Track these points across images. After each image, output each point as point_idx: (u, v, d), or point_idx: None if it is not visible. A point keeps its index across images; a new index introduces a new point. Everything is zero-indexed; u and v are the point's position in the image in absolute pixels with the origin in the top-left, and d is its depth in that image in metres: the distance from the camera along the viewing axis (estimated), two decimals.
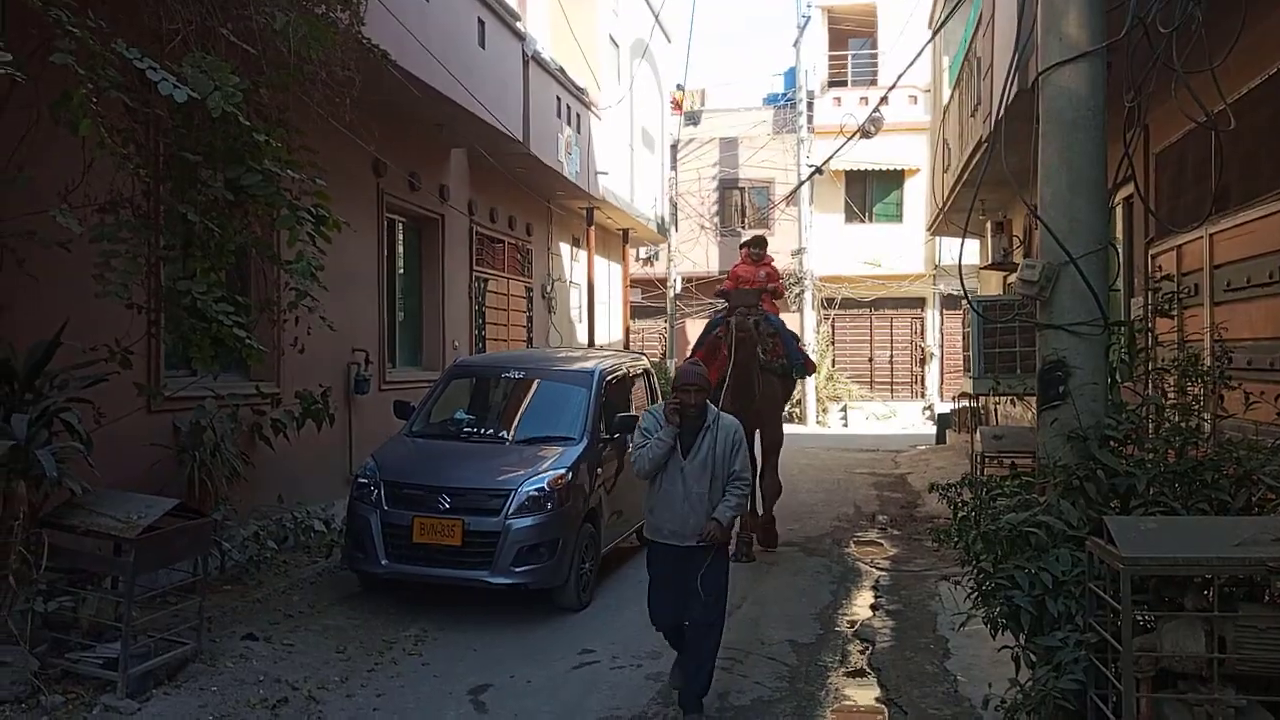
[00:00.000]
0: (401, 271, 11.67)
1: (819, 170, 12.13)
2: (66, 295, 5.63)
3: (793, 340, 9.77)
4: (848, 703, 5.70)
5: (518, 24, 12.06)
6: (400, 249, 11.62)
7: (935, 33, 12.18)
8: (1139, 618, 3.72)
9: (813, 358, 23.46)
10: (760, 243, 10.16)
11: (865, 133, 11.47)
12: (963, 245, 5.68)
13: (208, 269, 5.74)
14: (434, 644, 6.44)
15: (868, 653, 6.42)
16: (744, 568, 8.47)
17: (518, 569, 6.79)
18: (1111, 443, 4.28)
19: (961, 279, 5.39)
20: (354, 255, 9.47)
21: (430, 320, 12.02)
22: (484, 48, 10.77)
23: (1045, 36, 4.59)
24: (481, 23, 10.72)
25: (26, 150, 5.29)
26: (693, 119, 27.69)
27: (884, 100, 12.35)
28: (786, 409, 11.78)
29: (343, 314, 8.08)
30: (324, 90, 6.23)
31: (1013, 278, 6.55)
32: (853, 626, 7.04)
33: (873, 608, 7.52)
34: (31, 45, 4.55)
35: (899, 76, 9.75)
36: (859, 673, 6.10)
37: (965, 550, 4.24)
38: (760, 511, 9.46)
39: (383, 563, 6.89)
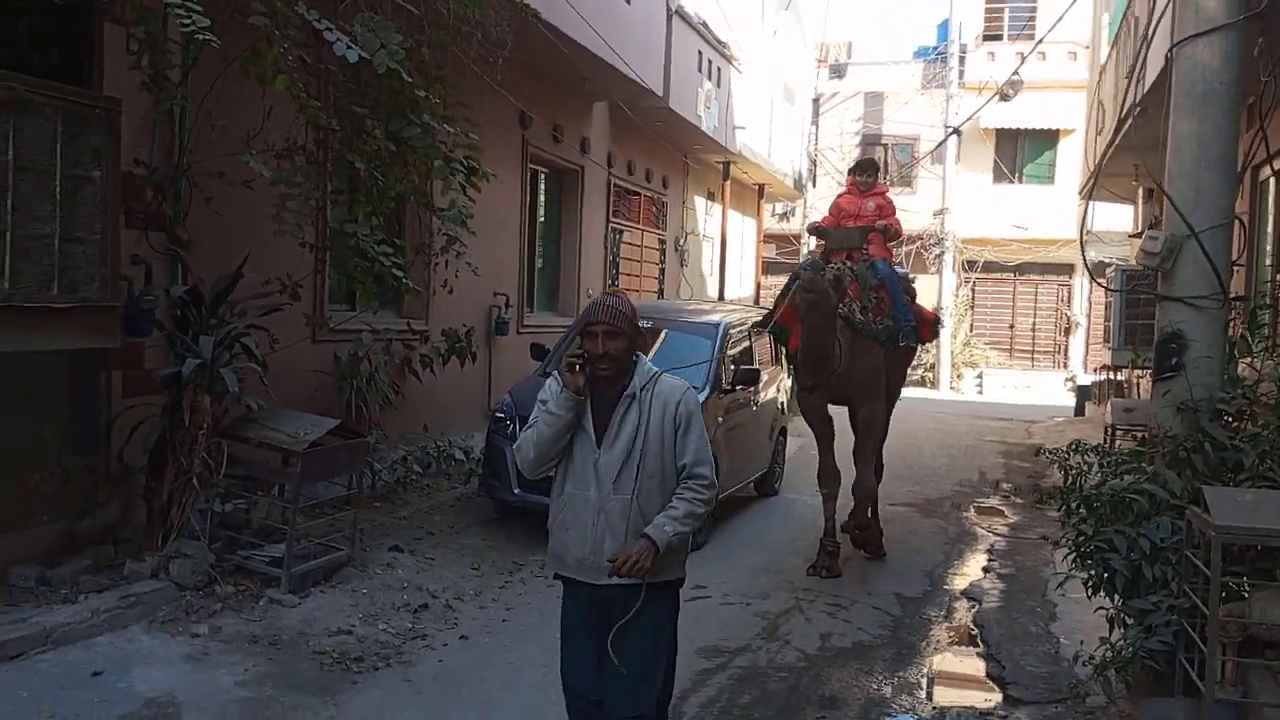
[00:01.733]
0: (542, 220, 12.16)
1: (957, 131, 11.95)
2: (247, 232, 6.24)
3: (902, 295, 7.58)
4: (947, 653, 5.90)
5: None
6: (542, 198, 12.10)
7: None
8: (1233, 586, 3.82)
9: (945, 320, 23.32)
10: (869, 167, 8.11)
11: (1003, 95, 11.12)
12: (1087, 212, 5.69)
13: (370, 213, 6.27)
14: None
15: (974, 610, 6.59)
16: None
17: None
18: (1224, 417, 4.32)
19: (1082, 248, 5.47)
20: (499, 204, 9.97)
21: (567, 268, 12.51)
22: (629, 3, 11.03)
23: (1181, 8, 4.56)
24: None
25: (211, 101, 5.89)
26: (838, 72, 27.24)
27: (1023, 60, 11.89)
28: (908, 377, 9.54)
29: (487, 259, 8.61)
30: (479, 48, 6.64)
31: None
32: (962, 586, 7.20)
33: (984, 570, 7.64)
34: (218, 8, 5.08)
35: (1043, 35, 9.49)
36: (962, 628, 6.29)
37: (1066, 513, 4.38)
38: (853, 514, 7.61)
39: (515, 491, 7.41)
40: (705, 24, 14.15)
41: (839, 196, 8.07)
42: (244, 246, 6.14)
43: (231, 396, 5.67)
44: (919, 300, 8.47)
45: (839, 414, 7.70)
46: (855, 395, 7.41)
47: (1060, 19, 8.35)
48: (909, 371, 9.15)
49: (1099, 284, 8.96)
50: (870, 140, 26.65)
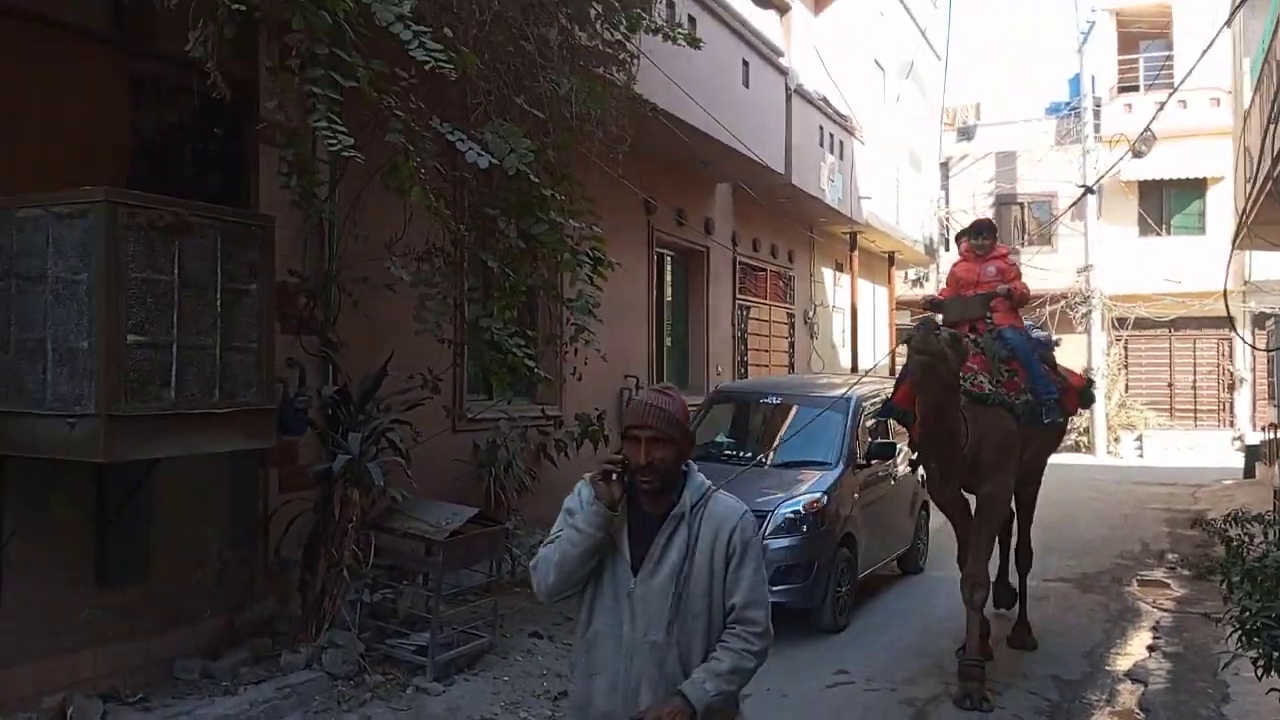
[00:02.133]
0: (669, 301, 12.35)
1: (1089, 190, 11.57)
2: (391, 332, 6.58)
3: (1039, 365, 6.70)
4: None
5: (780, 59, 12.47)
6: (669, 280, 12.31)
7: (1219, 32, 11.23)
8: None
9: (1098, 383, 22.20)
10: (984, 229, 7.19)
11: (1137, 153, 10.72)
12: (1228, 264, 5.38)
13: (504, 307, 6.52)
14: None
15: (1138, 694, 6.18)
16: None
17: (775, 587, 7.06)
18: None
19: (1226, 301, 5.15)
20: (627, 288, 10.20)
21: (696, 347, 12.62)
22: (748, 86, 11.26)
23: None
24: (745, 63, 11.22)
25: (357, 211, 6.30)
26: (966, 134, 26.91)
27: (1156, 114, 11.48)
28: (1060, 446, 8.20)
29: (616, 342, 8.79)
30: (600, 144, 6.89)
31: None
32: (1125, 666, 6.77)
33: (1149, 649, 7.17)
34: (361, 123, 5.46)
35: (1176, 86, 9.15)
36: (1126, 713, 5.90)
37: (1228, 587, 4.10)
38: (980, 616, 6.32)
39: None
40: (825, 99, 14.27)
41: (955, 265, 7.31)
42: (388, 345, 6.47)
43: (378, 489, 5.93)
44: (1065, 364, 7.77)
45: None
46: (980, 474, 6.34)
47: (1193, 69, 7.95)
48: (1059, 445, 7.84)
49: (1242, 340, 8.38)
50: (1004, 200, 26.06)
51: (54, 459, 4.50)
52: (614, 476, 2.66)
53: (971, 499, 6.65)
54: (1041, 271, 24.23)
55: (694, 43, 7.67)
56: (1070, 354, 23.95)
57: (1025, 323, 7.11)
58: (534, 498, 8.36)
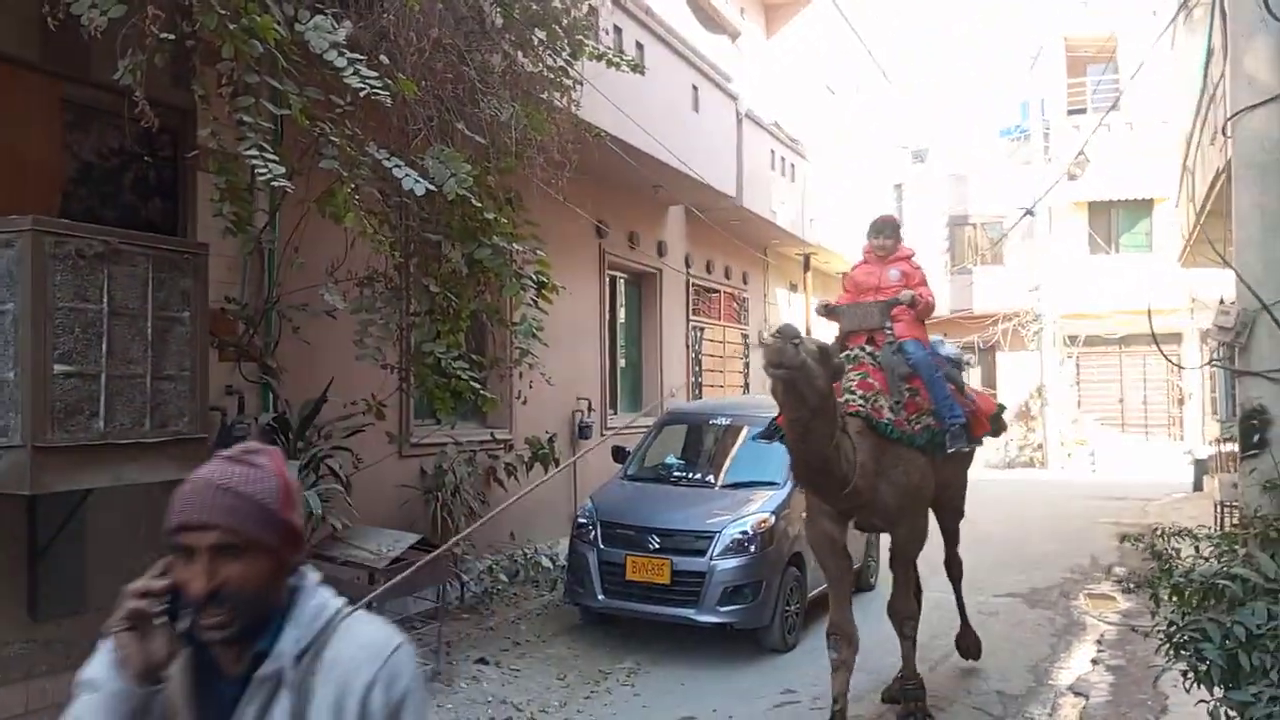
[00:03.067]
0: (623, 323, 12.40)
1: (1029, 212, 11.76)
2: (333, 357, 6.56)
3: (943, 385, 5.88)
4: None
5: (730, 84, 12.61)
6: (621, 302, 12.36)
7: (1147, 55, 11.56)
8: None
9: (1047, 397, 22.59)
10: (887, 228, 6.31)
11: (1071, 175, 10.99)
12: (1221, 281, 5.50)
13: (448, 331, 6.52)
14: (646, 677, 6.86)
15: (1080, 707, 6.26)
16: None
17: (723, 608, 7.12)
18: None
19: (1151, 324, 5.25)
20: (579, 311, 10.23)
21: (649, 368, 12.68)
22: (698, 111, 11.38)
23: (1234, 81, 4.52)
24: (695, 88, 11.35)
25: (299, 237, 6.28)
26: (919, 157, 27.33)
27: (1089, 137, 11.74)
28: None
29: (568, 365, 8.82)
30: (543, 169, 6.93)
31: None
32: (1068, 680, 6.85)
33: (1093, 662, 7.27)
34: (299, 152, 5.47)
35: (1110, 107, 9.37)
36: None
37: (1153, 600, 4.18)
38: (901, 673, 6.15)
39: (599, 598, 7.42)
40: (776, 123, 14.45)
41: (854, 268, 6.48)
42: (330, 371, 6.44)
43: (317, 518, 5.88)
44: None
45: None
46: (887, 518, 5.75)
47: (1121, 93, 8.21)
48: (967, 473, 7.06)
49: (1171, 363, 8.15)
50: (958, 221, 26.46)
51: None
52: (151, 622, 1.57)
53: (855, 537, 6.47)
54: (990, 289, 24.80)
55: (636, 69, 7.76)
56: (1023, 371, 24.50)
57: (936, 337, 6.52)
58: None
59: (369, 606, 5.85)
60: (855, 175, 18.99)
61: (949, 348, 6.68)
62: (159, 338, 4.72)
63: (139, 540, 5.58)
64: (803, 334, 4.56)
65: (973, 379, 25.08)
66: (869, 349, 5.83)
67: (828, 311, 6.27)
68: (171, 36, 4.32)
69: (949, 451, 5.89)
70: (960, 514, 7.16)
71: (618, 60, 7.59)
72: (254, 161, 4.58)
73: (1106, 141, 21.12)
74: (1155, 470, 22.03)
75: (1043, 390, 23.87)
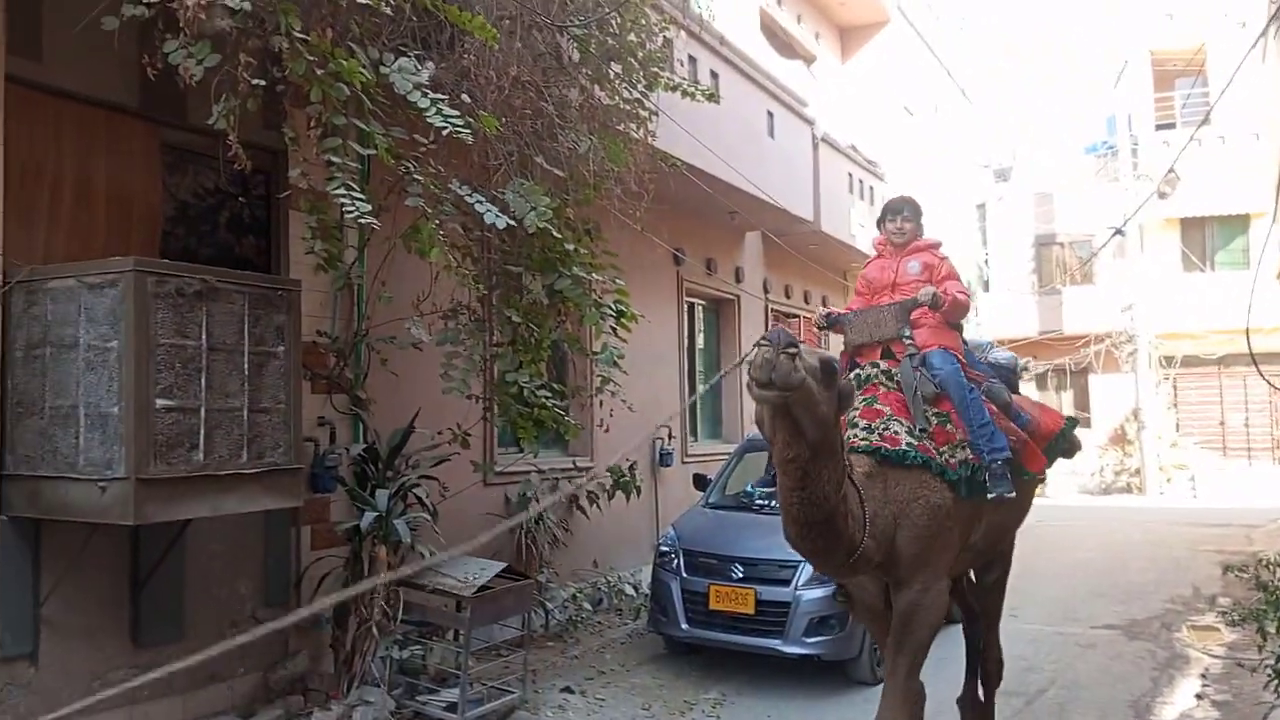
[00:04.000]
0: (701, 349, 12.39)
1: (1119, 231, 11.38)
2: (420, 388, 6.68)
3: (981, 408, 4.68)
4: None
5: (805, 109, 12.59)
6: (700, 329, 12.37)
7: (1238, 66, 11.16)
8: None
9: (1147, 424, 21.64)
10: (905, 209, 5.17)
11: (1161, 194, 10.61)
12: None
13: (530, 361, 6.60)
14: (731, 708, 6.78)
15: None
16: (1057, 648, 8.09)
17: (809, 639, 7.01)
18: None
19: (1250, 344, 5.07)
20: (658, 339, 10.26)
21: (729, 395, 12.61)
22: (773, 137, 11.38)
23: None
24: (770, 115, 11.35)
25: (386, 271, 6.45)
26: (1002, 175, 26.80)
27: (1180, 151, 11.32)
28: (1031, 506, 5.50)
29: (648, 392, 8.83)
30: (621, 199, 7.00)
31: None
32: (1172, 717, 6.57)
33: (1198, 697, 6.95)
34: (385, 190, 5.62)
35: (1202, 121, 9.03)
36: None
37: (1260, 634, 4.00)
38: None
39: (683, 627, 7.37)
40: (854, 146, 14.36)
41: (867, 264, 5.33)
42: (417, 402, 6.56)
43: (405, 546, 5.99)
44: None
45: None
46: (895, 571, 4.39)
47: (1211, 108, 7.91)
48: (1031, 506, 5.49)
49: (1272, 385, 6.91)
50: (1044, 240, 25.80)
51: (88, 522, 4.62)
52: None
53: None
54: (1080, 308, 24.05)
55: (711, 98, 7.79)
56: (1117, 395, 23.67)
57: (985, 340, 5.47)
58: (567, 551, 8.39)
59: (456, 635, 5.90)
60: (936, 196, 18.72)
61: (1000, 353, 5.54)
62: (255, 372, 4.87)
63: (235, 570, 5.78)
64: (800, 342, 3.47)
65: (1061, 403, 24.42)
66: (883, 365, 4.72)
67: (829, 322, 5.12)
68: (263, 82, 4.49)
69: (990, 498, 4.56)
70: (1005, 569, 5.60)
71: (692, 90, 7.65)
72: (342, 200, 4.72)
73: (1198, 156, 20.41)
74: (1259, 496, 21.01)
75: (1139, 413, 23.03)
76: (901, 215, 5.16)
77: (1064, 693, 7.11)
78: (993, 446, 4.58)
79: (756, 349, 3.42)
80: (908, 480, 4.34)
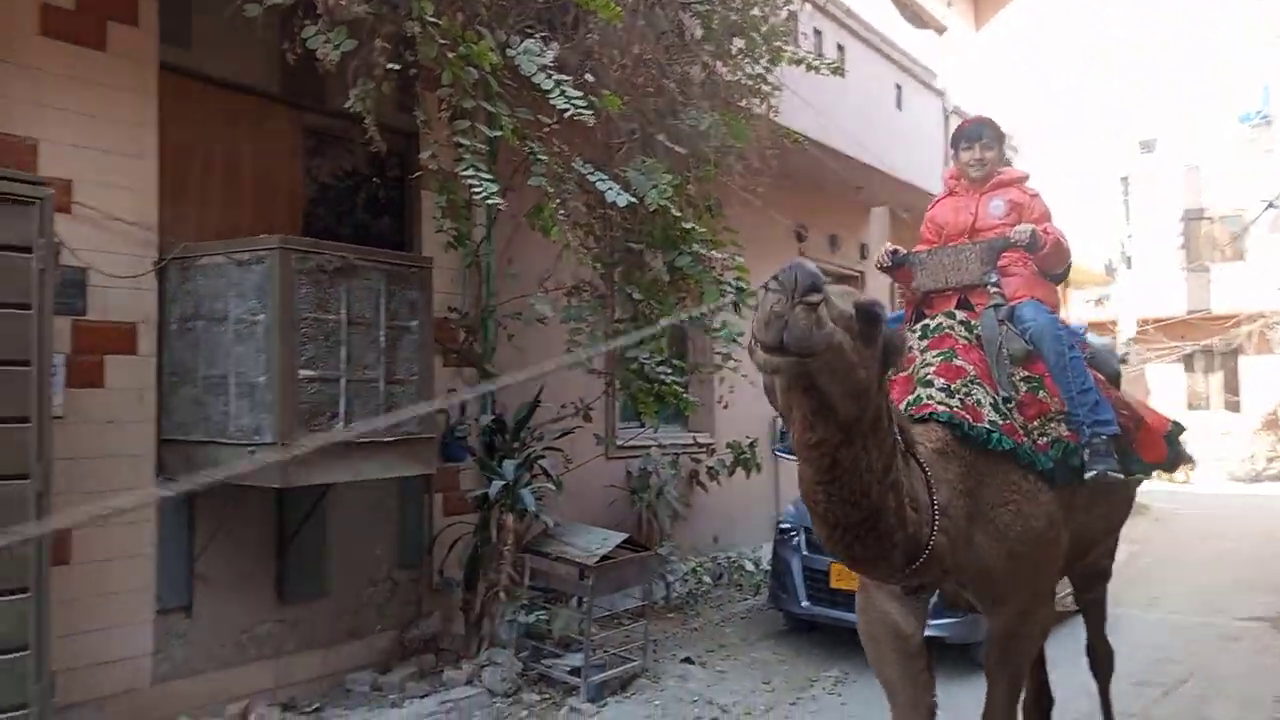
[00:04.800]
0: None
1: (1274, 205, 10.64)
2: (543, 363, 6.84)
3: (1084, 373, 3.81)
4: None
5: (935, 81, 12.25)
6: None
7: None
8: None
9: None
10: (985, 133, 4.19)
11: None
12: None
13: (650, 338, 6.70)
14: (853, 687, 6.74)
15: None
16: (1198, 639, 7.74)
17: (934, 621, 6.82)
18: None
19: None
20: None
21: None
22: (901, 109, 11.13)
23: None
24: (899, 87, 11.10)
25: (512, 249, 6.62)
26: (1147, 147, 25.45)
27: None
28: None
29: None
30: (743, 176, 6.99)
31: None
32: None
33: None
34: (510, 170, 5.78)
35: None
36: None
37: None
38: None
39: (803, 604, 7.36)
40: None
41: (934, 204, 4.43)
42: (541, 376, 6.74)
43: (531, 514, 6.18)
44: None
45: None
46: (983, 589, 3.47)
47: None
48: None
49: None
50: (1192, 215, 24.41)
51: (237, 484, 4.95)
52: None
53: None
54: (1230, 285, 22.67)
55: (836, 71, 7.68)
56: (1271, 376, 22.24)
57: (1075, 326, 4.36)
58: (687, 525, 8.48)
59: (579, 603, 6.06)
60: (1075, 169, 17.94)
61: (1096, 339, 4.63)
62: (391, 345, 5.10)
63: (372, 532, 6.08)
64: (824, 282, 2.39)
65: (1210, 386, 23.12)
66: (960, 316, 3.84)
67: (895, 263, 4.13)
68: (396, 66, 4.68)
69: (1087, 477, 3.64)
70: (1107, 571, 4.89)
71: (817, 64, 7.55)
72: (470, 180, 4.88)
73: None
74: None
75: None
76: (980, 143, 4.20)
77: (1204, 685, 6.81)
78: (1096, 418, 3.69)
79: (764, 294, 2.35)
80: (992, 470, 3.38)
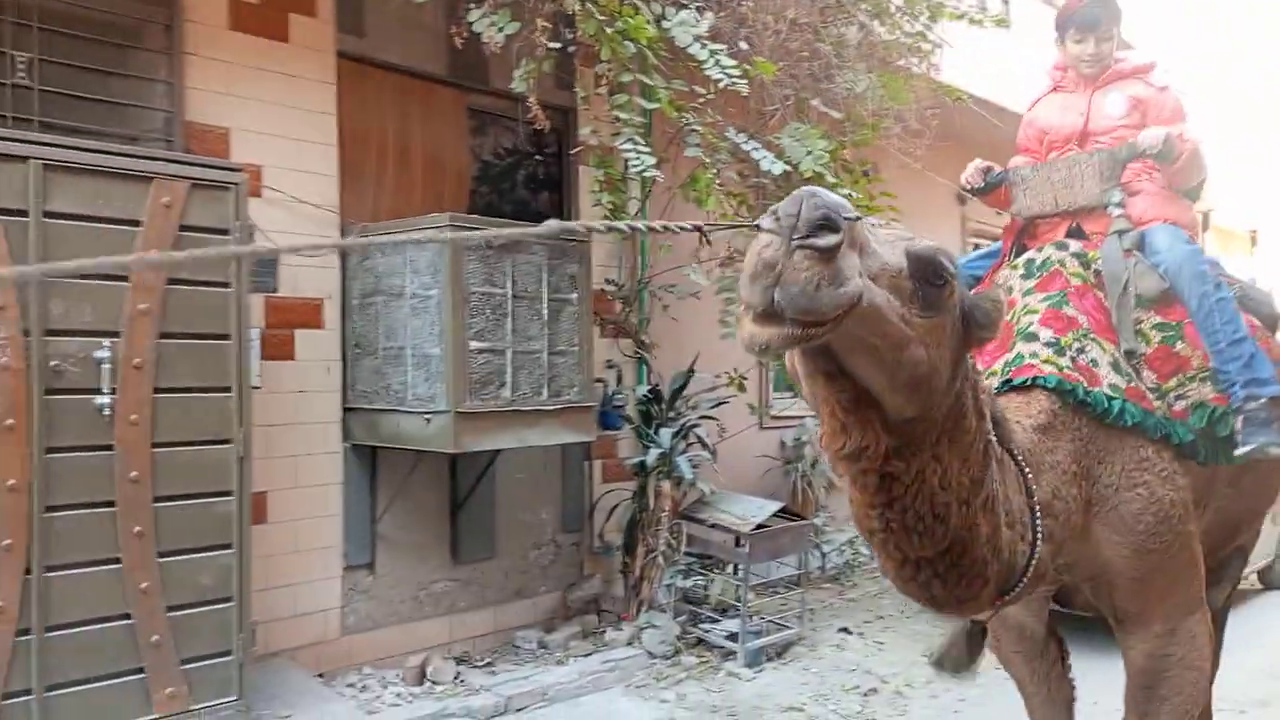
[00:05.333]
0: None
1: None
2: (698, 334, 6.92)
3: (1230, 315, 2.93)
4: None
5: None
6: None
7: None
8: None
9: None
10: (1100, 21, 3.32)
11: None
12: None
13: None
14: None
15: None
16: None
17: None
18: None
19: None
20: None
21: None
22: None
23: None
24: None
25: (667, 220, 6.69)
26: None
27: None
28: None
29: None
30: (901, 138, 6.83)
31: None
32: None
33: None
34: (665, 142, 5.84)
35: None
36: None
37: None
38: None
39: None
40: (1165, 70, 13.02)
41: (1034, 104, 3.62)
42: (696, 346, 6.82)
43: (687, 482, 6.28)
44: None
45: None
46: (1106, 596, 2.75)
47: None
48: None
49: None
50: None
51: (414, 450, 5.24)
52: None
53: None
54: None
55: (1001, 24, 7.38)
56: None
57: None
58: (842, 495, 8.41)
59: (735, 570, 6.14)
60: (1250, 126, 16.63)
61: (1242, 276, 3.62)
62: (553, 317, 5.29)
63: (537, 498, 6.33)
64: (852, 213, 1.57)
65: None
66: (1074, 247, 3.06)
67: (991, 183, 3.39)
68: (557, 45, 4.79)
69: (1240, 453, 2.83)
70: (1236, 581, 3.95)
71: (980, 19, 7.27)
72: (628, 154, 4.98)
73: None
74: None
75: None
76: (1095, 32, 3.33)
77: None
78: (1252, 376, 2.88)
79: (769, 228, 1.55)
80: (1115, 445, 2.65)
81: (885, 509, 1.96)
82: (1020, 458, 2.35)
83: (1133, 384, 2.74)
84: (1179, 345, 2.91)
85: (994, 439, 2.17)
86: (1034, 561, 2.29)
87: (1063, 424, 2.59)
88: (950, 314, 1.86)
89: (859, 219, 1.60)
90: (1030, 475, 2.36)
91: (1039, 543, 2.32)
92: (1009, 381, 2.68)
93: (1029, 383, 2.65)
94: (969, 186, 3.47)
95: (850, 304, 1.54)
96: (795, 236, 1.50)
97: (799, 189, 1.58)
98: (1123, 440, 2.66)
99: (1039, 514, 2.34)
